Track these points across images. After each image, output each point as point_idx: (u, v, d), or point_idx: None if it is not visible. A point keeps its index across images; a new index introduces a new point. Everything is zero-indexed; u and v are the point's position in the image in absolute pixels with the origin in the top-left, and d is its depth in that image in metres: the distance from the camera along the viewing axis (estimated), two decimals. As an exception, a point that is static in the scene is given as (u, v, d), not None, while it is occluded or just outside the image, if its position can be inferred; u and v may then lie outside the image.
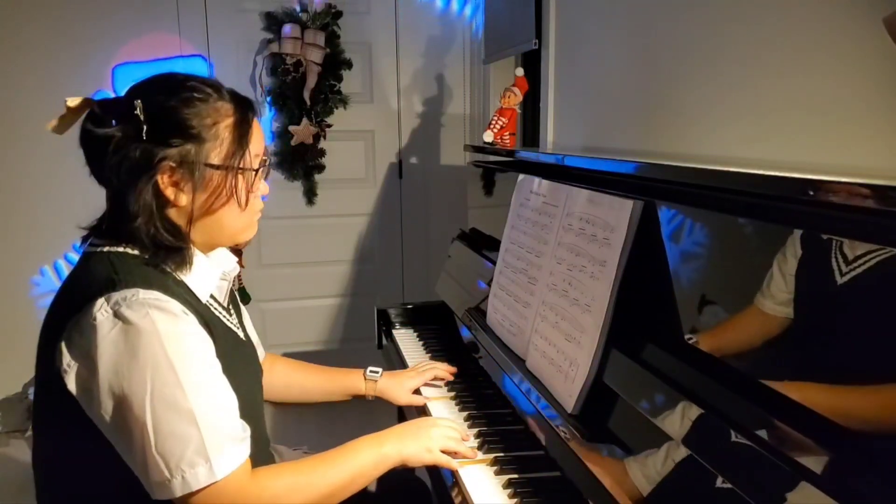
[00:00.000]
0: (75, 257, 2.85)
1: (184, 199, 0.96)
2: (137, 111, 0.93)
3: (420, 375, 1.44)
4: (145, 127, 0.93)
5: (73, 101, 0.98)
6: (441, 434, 1.13)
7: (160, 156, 0.93)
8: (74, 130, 1.00)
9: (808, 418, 0.71)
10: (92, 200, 1.02)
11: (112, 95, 1.01)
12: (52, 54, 2.77)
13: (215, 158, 0.97)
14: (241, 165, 0.99)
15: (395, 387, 1.41)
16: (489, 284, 1.51)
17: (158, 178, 0.94)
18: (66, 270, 2.91)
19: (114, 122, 0.95)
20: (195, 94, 0.97)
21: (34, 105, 2.73)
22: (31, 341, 0.98)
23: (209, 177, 0.97)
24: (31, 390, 2.73)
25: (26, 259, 2.88)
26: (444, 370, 1.46)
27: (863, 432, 0.66)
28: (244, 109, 1.01)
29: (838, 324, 0.71)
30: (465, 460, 1.13)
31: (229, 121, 0.99)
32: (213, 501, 0.89)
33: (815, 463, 0.68)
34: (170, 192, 0.96)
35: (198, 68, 2.88)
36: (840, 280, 0.69)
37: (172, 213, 0.98)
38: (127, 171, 0.93)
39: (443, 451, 1.12)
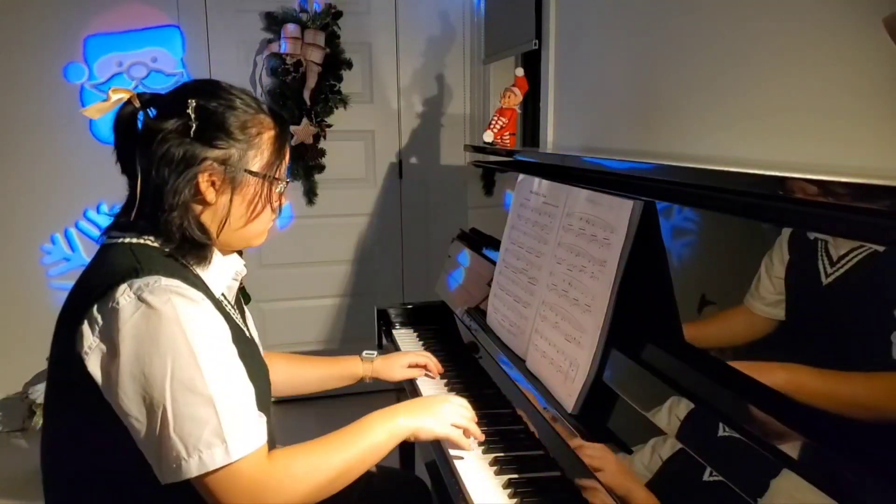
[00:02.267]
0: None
1: (219, 200, 1.01)
2: (189, 110, 0.97)
3: (413, 354, 1.54)
4: (195, 125, 0.97)
5: (117, 94, 1.02)
6: (453, 410, 1.14)
7: (204, 155, 0.98)
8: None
9: (807, 418, 0.71)
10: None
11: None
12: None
13: (255, 166, 1.03)
14: (276, 176, 1.06)
15: (390, 364, 1.50)
16: (489, 284, 1.51)
17: (200, 176, 0.98)
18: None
19: (152, 114, 1.00)
20: (242, 105, 1.02)
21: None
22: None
23: (247, 182, 1.02)
24: (32, 390, 2.74)
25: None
26: (436, 363, 1.54)
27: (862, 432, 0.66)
28: (283, 125, 1.08)
29: (836, 324, 0.71)
30: (460, 453, 1.13)
31: (271, 133, 1.05)
32: (229, 482, 0.90)
33: (812, 461, 0.68)
34: (208, 192, 1.00)
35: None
36: (827, 280, 0.69)
37: (203, 211, 1.01)
38: (169, 164, 0.97)
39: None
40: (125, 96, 1.02)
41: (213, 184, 1.00)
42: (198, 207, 1.01)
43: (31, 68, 2.75)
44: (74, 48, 2.78)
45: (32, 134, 2.78)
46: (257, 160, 1.03)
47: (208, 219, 1.02)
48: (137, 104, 1.01)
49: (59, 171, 2.81)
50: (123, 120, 1.01)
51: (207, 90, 1.02)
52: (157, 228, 0.98)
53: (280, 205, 1.08)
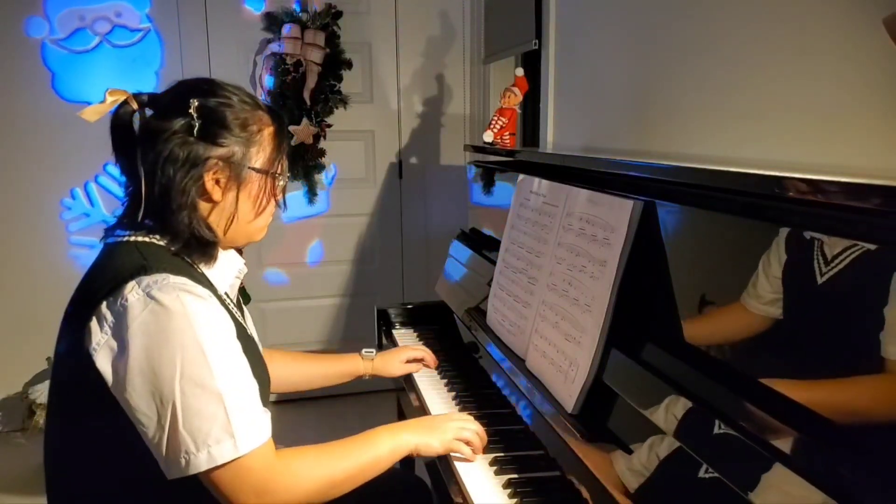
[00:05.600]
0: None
1: (225, 198, 1.02)
2: (192, 109, 0.98)
3: (410, 349, 1.57)
4: (198, 125, 0.98)
5: (114, 95, 1.02)
6: (457, 426, 1.15)
7: (209, 154, 0.99)
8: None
9: (807, 418, 0.71)
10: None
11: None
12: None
13: (258, 162, 1.04)
14: (278, 171, 1.07)
15: (389, 361, 1.53)
16: (489, 284, 1.51)
17: (206, 175, 0.99)
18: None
19: (150, 114, 1.01)
20: (240, 102, 1.03)
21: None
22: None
23: (251, 179, 1.03)
24: (32, 390, 2.74)
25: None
26: (431, 355, 1.57)
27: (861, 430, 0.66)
28: (281, 121, 1.10)
29: (836, 323, 0.71)
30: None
31: (271, 129, 1.06)
32: (238, 476, 0.92)
33: (812, 461, 0.68)
34: (214, 191, 1.01)
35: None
36: (824, 280, 0.69)
37: (209, 209, 1.03)
38: (174, 164, 0.98)
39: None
40: (121, 97, 1.02)
41: (217, 182, 1.01)
42: (204, 206, 1.02)
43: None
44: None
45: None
46: (260, 157, 1.04)
47: (214, 217, 1.03)
48: (135, 105, 1.02)
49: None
50: (121, 121, 1.02)
51: (206, 88, 1.03)
52: (165, 228, 0.99)
53: (281, 199, 1.10)
